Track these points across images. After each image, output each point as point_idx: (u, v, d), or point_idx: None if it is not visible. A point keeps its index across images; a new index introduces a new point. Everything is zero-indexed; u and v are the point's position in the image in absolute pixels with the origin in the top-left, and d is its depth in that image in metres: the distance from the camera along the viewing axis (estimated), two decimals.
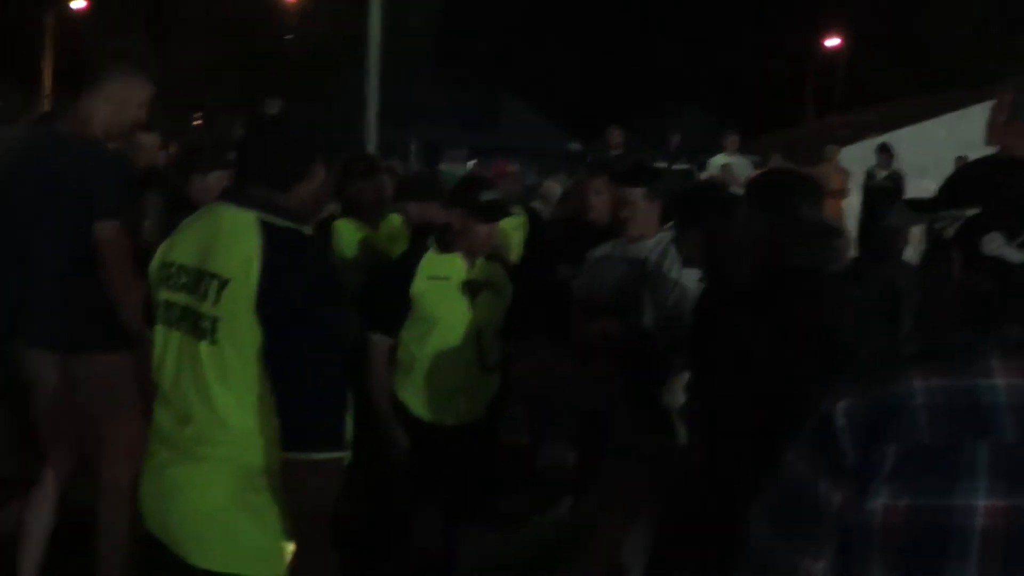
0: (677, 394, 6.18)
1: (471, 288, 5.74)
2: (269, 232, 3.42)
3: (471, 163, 19.05)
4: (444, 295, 5.72)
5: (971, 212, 2.20)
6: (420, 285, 5.73)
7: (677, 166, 19.65)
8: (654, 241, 6.08)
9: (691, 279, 5.68)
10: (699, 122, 33.47)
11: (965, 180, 2.31)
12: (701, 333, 4.66)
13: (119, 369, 5.30)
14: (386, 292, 5.92)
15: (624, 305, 5.97)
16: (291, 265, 3.39)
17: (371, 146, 15.86)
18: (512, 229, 8.17)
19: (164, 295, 3.62)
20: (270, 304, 3.32)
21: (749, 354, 4.10)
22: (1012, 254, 2.14)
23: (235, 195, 3.60)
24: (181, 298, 3.53)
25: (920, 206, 2.34)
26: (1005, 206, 2.18)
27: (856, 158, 19.46)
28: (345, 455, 3.39)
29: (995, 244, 2.16)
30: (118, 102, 5.36)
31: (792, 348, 3.94)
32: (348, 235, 6.81)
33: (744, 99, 52.48)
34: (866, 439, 2.08)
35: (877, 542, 2.07)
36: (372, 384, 5.77)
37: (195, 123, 31.39)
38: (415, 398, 5.83)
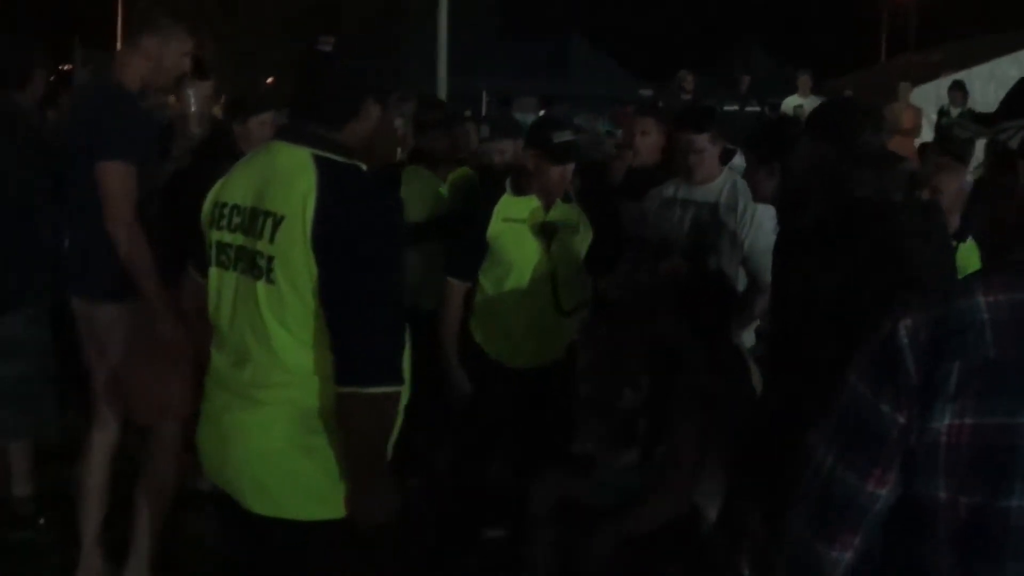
0: (750, 335, 6.19)
1: (546, 230, 5.76)
2: (324, 167, 3.38)
3: (542, 112, 19.02)
4: (519, 238, 5.75)
5: None
6: (496, 227, 5.76)
7: (748, 108, 19.51)
8: (720, 181, 6.08)
9: (765, 218, 5.67)
10: (770, 64, 33.00)
11: None
12: (776, 270, 4.66)
13: (125, 319, 5.23)
14: (463, 235, 5.96)
15: (699, 247, 5.97)
16: (347, 199, 3.34)
17: (442, 96, 15.86)
18: None
19: (217, 236, 3.57)
20: (325, 238, 3.27)
21: (820, 289, 4.10)
22: None
23: (290, 133, 3.56)
24: (236, 238, 3.48)
25: (983, 119, 2.27)
26: None
27: (929, 97, 19.21)
28: (401, 389, 3.35)
29: None
30: (154, 57, 5.28)
31: (862, 281, 3.94)
32: (413, 182, 6.82)
33: (816, 41, 51.84)
34: (930, 357, 2.03)
35: (942, 463, 2.02)
36: (443, 326, 5.82)
37: (268, 82, 31.39)
38: (490, 340, 5.88)
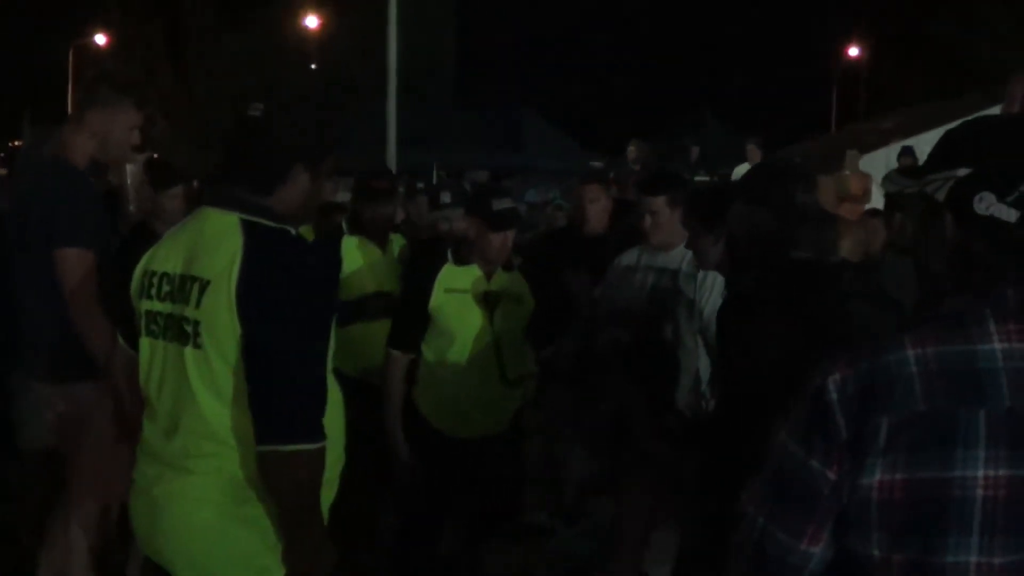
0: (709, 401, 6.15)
1: (489, 300, 5.71)
2: (251, 232, 3.37)
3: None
4: (462, 308, 5.68)
5: (962, 173, 2.13)
6: (438, 299, 5.68)
7: (698, 178, 19.63)
8: (683, 248, 6.03)
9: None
10: (721, 134, 33.32)
11: (954, 141, 2.22)
12: (720, 336, 4.64)
13: (83, 401, 5.08)
14: (404, 307, 5.91)
15: (657, 314, 5.92)
16: (272, 262, 3.34)
17: (392, 170, 15.92)
18: None
19: (147, 305, 3.55)
20: (249, 299, 3.26)
21: (762, 353, 4.08)
22: (1005, 212, 2.07)
23: (218, 199, 3.55)
24: (165, 307, 3.46)
25: (911, 172, 2.27)
26: (995, 165, 2.11)
27: (879, 164, 19.33)
28: (322, 446, 3.29)
29: (987, 203, 2.08)
30: (100, 133, 5.17)
31: (804, 345, 3.91)
32: (356, 251, 6.76)
33: (767, 111, 52.45)
34: (859, 412, 2.02)
35: (874, 519, 2.00)
36: (385, 398, 5.75)
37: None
38: (436, 412, 5.80)
